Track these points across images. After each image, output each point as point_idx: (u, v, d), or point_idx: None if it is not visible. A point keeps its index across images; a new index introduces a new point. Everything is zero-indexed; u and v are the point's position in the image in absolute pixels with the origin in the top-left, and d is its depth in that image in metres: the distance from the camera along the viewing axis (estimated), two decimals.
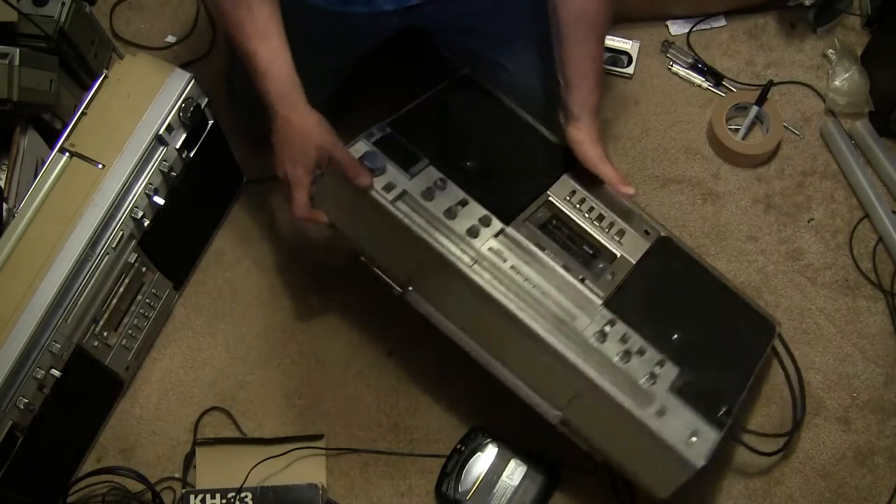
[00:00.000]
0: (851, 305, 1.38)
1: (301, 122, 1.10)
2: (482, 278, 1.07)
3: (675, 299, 1.18)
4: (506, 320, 1.06)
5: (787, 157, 1.49)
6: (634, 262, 1.17)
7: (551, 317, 1.07)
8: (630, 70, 1.55)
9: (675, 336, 1.11)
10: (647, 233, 1.21)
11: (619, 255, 1.17)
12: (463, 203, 1.12)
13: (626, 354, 1.07)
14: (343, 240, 1.17)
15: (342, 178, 1.09)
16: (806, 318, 1.38)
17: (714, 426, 1.04)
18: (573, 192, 1.21)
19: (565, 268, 1.12)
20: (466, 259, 1.08)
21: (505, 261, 1.09)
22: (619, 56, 1.56)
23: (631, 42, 1.56)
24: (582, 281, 1.11)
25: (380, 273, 1.15)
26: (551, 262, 1.11)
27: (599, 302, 1.10)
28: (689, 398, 1.06)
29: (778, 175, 1.48)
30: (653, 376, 1.06)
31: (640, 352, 1.08)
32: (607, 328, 1.08)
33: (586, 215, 1.19)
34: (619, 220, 1.21)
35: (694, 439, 1.03)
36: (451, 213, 1.11)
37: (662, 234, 1.22)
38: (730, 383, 1.11)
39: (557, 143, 1.27)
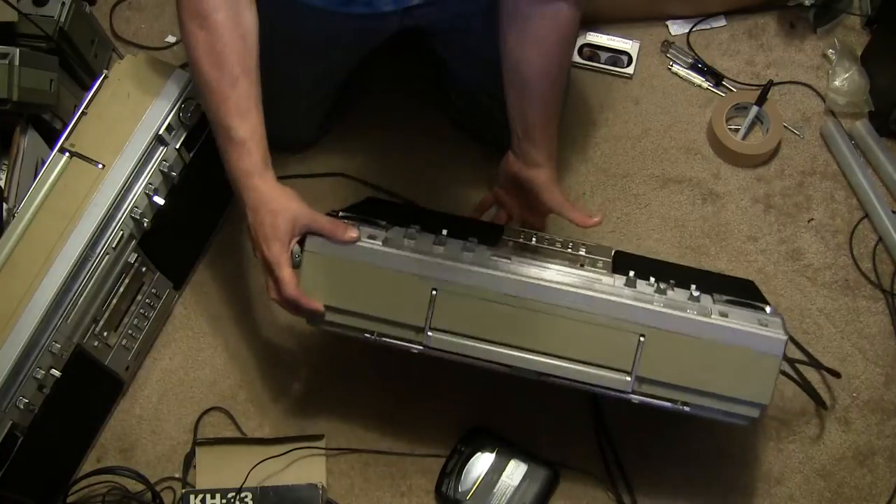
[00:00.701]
0: (851, 305, 1.38)
1: (272, 198, 1.05)
2: (506, 270, 1.04)
3: (666, 272, 1.15)
4: (547, 300, 1.03)
5: (787, 157, 1.49)
6: (610, 259, 1.15)
7: (580, 279, 1.05)
8: (630, 70, 1.55)
9: (688, 282, 1.09)
10: (601, 247, 1.19)
11: (596, 258, 1.15)
12: (439, 237, 1.08)
13: (661, 290, 1.05)
14: (339, 328, 1.10)
15: (326, 250, 1.05)
16: (806, 318, 1.38)
17: (774, 315, 1.04)
18: (521, 233, 1.19)
19: (561, 263, 1.10)
20: (480, 262, 1.05)
21: (509, 260, 1.07)
22: (619, 56, 1.56)
23: (631, 42, 1.56)
24: (581, 266, 1.10)
25: (393, 341, 1.09)
26: (549, 259, 1.10)
27: (608, 271, 1.09)
28: (737, 304, 1.05)
29: (778, 175, 1.48)
30: (694, 298, 1.05)
31: (671, 287, 1.06)
32: (630, 277, 1.06)
33: (547, 244, 1.17)
34: (572, 242, 1.18)
35: (766, 324, 1.02)
36: (440, 242, 1.08)
37: (615, 250, 1.19)
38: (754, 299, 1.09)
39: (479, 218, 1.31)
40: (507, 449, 1.26)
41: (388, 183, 1.47)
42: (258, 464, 1.27)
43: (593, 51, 1.56)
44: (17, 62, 1.27)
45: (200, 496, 1.25)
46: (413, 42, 1.40)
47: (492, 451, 1.26)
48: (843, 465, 1.29)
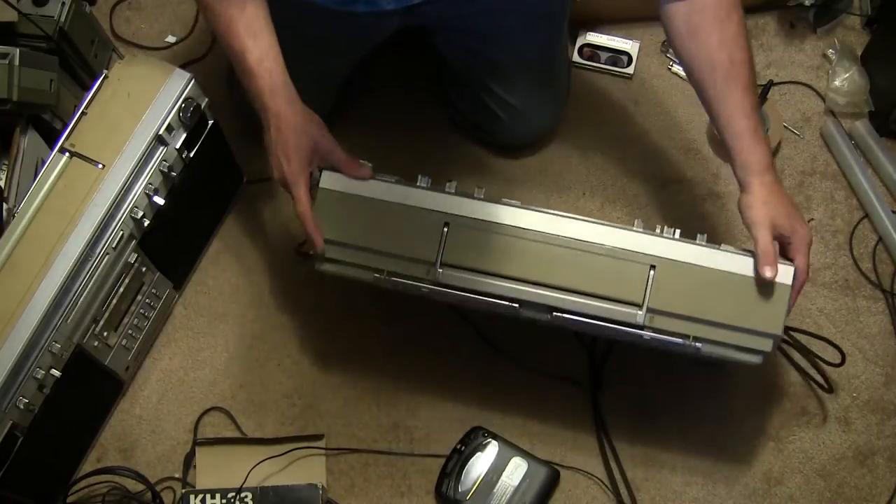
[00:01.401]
0: (851, 305, 1.38)
1: (295, 118, 1.07)
2: (512, 206, 1.05)
3: None
4: (558, 232, 1.04)
5: (787, 157, 1.49)
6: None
7: (592, 217, 1.06)
8: (630, 70, 1.55)
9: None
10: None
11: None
12: (452, 185, 1.09)
13: (667, 229, 1.06)
14: (350, 267, 1.10)
15: (340, 185, 1.07)
16: (806, 318, 1.37)
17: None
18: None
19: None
20: (492, 199, 1.05)
21: (522, 203, 1.07)
22: (619, 56, 1.56)
23: (631, 42, 1.56)
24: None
25: (403, 280, 1.09)
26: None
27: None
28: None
29: (778, 175, 1.48)
30: (701, 238, 1.05)
31: (676, 231, 1.06)
32: (636, 221, 1.07)
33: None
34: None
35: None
36: (449, 187, 1.08)
37: None
38: None
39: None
40: (507, 449, 1.26)
41: None
42: (258, 464, 1.27)
43: (593, 51, 1.56)
44: (17, 62, 1.27)
45: (200, 496, 1.25)
46: (414, 39, 1.40)
47: (492, 452, 1.26)
48: (843, 465, 1.29)
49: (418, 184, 1.09)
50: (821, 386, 1.29)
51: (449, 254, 1.06)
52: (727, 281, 1.03)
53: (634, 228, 1.05)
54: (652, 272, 1.03)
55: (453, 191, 1.08)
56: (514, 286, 1.06)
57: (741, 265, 1.03)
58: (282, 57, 1.07)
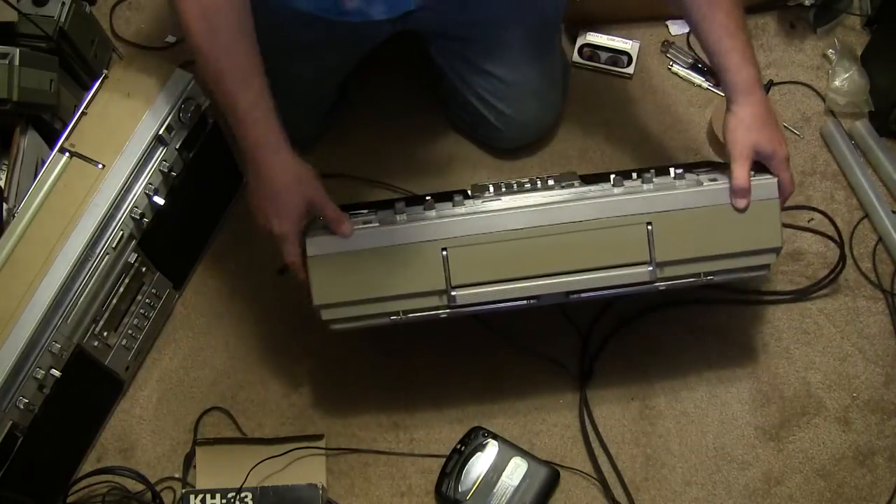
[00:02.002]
0: (851, 305, 1.38)
1: (286, 176, 1.03)
2: (499, 210, 1.05)
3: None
4: (550, 221, 1.05)
5: None
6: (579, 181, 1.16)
7: (575, 195, 1.07)
8: (630, 70, 1.55)
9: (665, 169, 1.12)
10: (566, 174, 1.19)
11: (563, 182, 1.16)
12: (429, 204, 1.08)
13: (646, 178, 1.08)
14: (365, 321, 1.09)
15: (328, 249, 1.05)
16: (806, 318, 1.37)
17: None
18: (490, 184, 1.17)
19: (541, 187, 1.12)
20: (476, 209, 1.06)
21: (499, 199, 1.08)
22: (619, 56, 1.55)
23: (631, 42, 1.55)
24: (562, 187, 1.12)
25: (420, 314, 1.09)
26: (529, 193, 1.11)
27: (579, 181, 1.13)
28: (717, 170, 1.09)
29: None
30: (679, 176, 1.08)
31: (654, 175, 1.09)
32: (615, 178, 1.09)
33: (514, 184, 1.16)
34: (539, 179, 1.18)
35: (754, 174, 1.06)
36: (429, 206, 1.08)
37: (578, 174, 1.20)
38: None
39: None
40: (507, 449, 1.26)
41: (385, 182, 1.47)
42: (258, 464, 1.27)
43: (593, 51, 1.56)
44: (17, 62, 1.27)
45: (200, 496, 1.25)
46: (412, 40, 1.40)
47: (492, 452, 1.26)
48: (843, 465, 1.29)
49: (397, 213, 1.07)
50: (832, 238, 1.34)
51: (456, 275, 1.07)
52: (719, 213, 1.06)
53: (616, 193, 1.07)
54: (649, 227, 1.06)
55: (434, 211, 1.07)
56: (527, 284, 1.07)
57: (726, 194, 1.06)
58: (273, 107, 1.02)
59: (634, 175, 1.10)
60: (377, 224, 1.06)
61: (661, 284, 1.09)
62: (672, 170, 1.10)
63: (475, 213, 1.06)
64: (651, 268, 1.07)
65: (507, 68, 1.35)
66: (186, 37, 1.00)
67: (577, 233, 1.06)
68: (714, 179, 1.07)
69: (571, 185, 1.13)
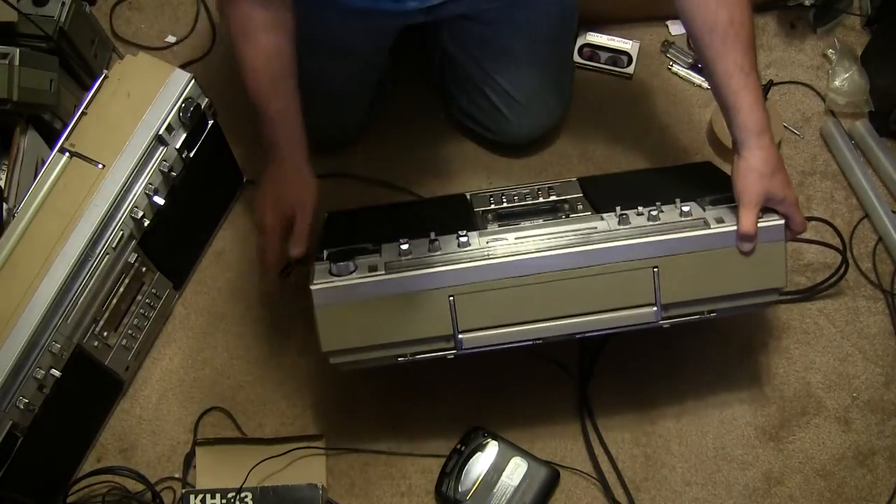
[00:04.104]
0: (851, 305, 1.38)
1: (296, 175, 1.15)
2: (506, 257, 1.05)
3: (637, 189, 1.20)
4: (558, 268, 1.05)
5: (787, 157, 1.49)
6: (582, 195, 1.20)
7: (580, 238, 1.07)
8: (630, 70, 1.55)
9: (666, 196, 1.12)
10: (565, 182, 1.24)
11: (566, 198, 1.19)
12: (433, 241, 1.08)
13: (652, 215, 1.08)
14: (372, 363, 1.11)
15: (335, 298, 1.05)
16: (806, 318, 1.38)
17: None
18: (490, 197, 1.22)
19: (546, 220, 1.12)
20: (483, 259, 1.05)
21: (506, 240, 1.08)
22: (619, 56, 1.56)
23: (631, 42, 1.56)
24: (567, 216, 1.13)
25: (426, 356, 1.10)
26: (534, 223, 1.12)
27: (594, 213, 1.13)
28: (722, 203, 1.09)
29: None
30: (685, 213, 1.08)
31: (659, 210, 1.09)
32: (621, 215, 1.09)
33: (515, 199, 1.21)
34: (539, 186, 1.22)
35: (762, 215, 1.06)
36: (433, 247, 1.07)
37: (577, 179, 1.25)
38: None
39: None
40: (507, 449, 1.26)
41: (386, 181, 1.47)
42: (258, 464, 1.27)
43: (593, 51, 1.56)
44: (17, 62, 1.27)
45: (200, 496, 1.25)
46: (413, 39, 1.40)
47: (492, 452, 1.26)
48: (843, 465, 1.29)
49: (402, 255, 1.07)
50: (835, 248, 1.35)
51: (463, 320, 1.07)
52: (725, 256, 1.06)
53: (623, 233, 1.06)
54: (655, 271, 1.06)
55: (440, 253, 1.07)
56: (533, 327, 1.08)
57: (733, 238, 1.06)
58: (303, 134, 1.15)
59: (640, 209, 1.09)
60: (384, 272, 1.05)
61: (665, 323, 1.09)
62: (678, 204, 1.09)
63: (481, 258, 1.05)
64: (656, 308, 1.08)
65: (524, 48, 1.35)
66: (240, 72, 1.11)
67: (584, 278, 1.06)
68: (721, 220, 1.06)
69: (575, 207, 1.15)
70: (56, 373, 1.15)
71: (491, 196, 1.22)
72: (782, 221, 1.06)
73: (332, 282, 1.04)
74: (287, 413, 1.34)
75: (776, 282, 1.09)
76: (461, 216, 1.18)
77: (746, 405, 1.32)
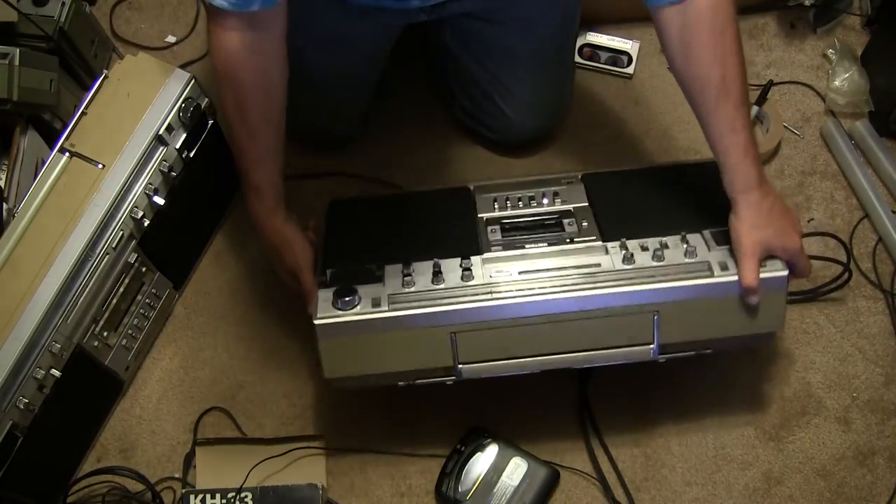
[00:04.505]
0: (851, 305, 1.38)
1: (276, 238, 1.18)
2: (509, 298, 1.07)
3: (643, 201, 1.20)
4: (560, 310, 1.07)
5: (787, 157, 1.49)
6: (587, 203, 1.20)
7: (584, 279, 1.08)
8: (630, 70, 1.55)
9: (672, 215, 1.14)
10: (570, 182, 1.24)
11: (572, 208, 1.19)
12: (437, 267, 1.10)
13: (657, 254, 1.09)
14: (372, 384, 1.15)
15: (340, 333, 1.08)
16: (806, 318, 1.38)
17: None
18: (494, 200, 1.22)
19: (551, 244, 1.13)
20: (485, 297, 1.07)
21: (510, 273, 1.09)
22: (619, 56, 1.56)
23: (631, 42, 1.56)
24: (572, 241, 1.13)
25: (426, 380, 1.14)
26: (539, 249, 1.13)
27: (599, 242, 1.13)
28: (728, 240, 1.09)
29: (778, 175, 1.48)
30: (690, 252, 1.09)
31: (664, 245, 1.10)
32: (625, 251, 1.10)
33: (520, 204, 1.21)
34: (544, 188, 1.23)
35: (764, 262, 1.07)
36: (437, 279, 1.09)
37: (581, 174, 1.25)
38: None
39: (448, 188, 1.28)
40: (507, 449, 1.26)
41: (385, 180, 1.47)
42: (258, 464, 1.27)
43: (593, 51, 1.56)
44: (17, 62, 1.27)
45: (200, 496, 1.25)
46: (415, 38, 1.40)
47: (492, 452, 1.26)
48: (843, 465, 1.29)
49: (405, 288, 1.09)
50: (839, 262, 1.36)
51: (464, 354, 1.10)
52: (726, 303, 1.08)
53: (626, 274, 1.08)
54: (656, 317, 1.08)
55: (443, 287, 1.09)
56: (533, 360, 1.11)
57: (736, 287, 1.07)
58: (279, 183, 1.16)
59: (646, 242, 1.10)
60: (387, 308, 1.07)
61: (661, 358, 1.12)
62: (683, 241, 1.10)
63: (484, 295, 1.07)
64: (654, 347, 1.10)
65: (527, 47, 1.35)
66: (221, 113, 1.14)
67: (585, 319, 1.07)
68: (725, 267, 1.07)
69: (581, 223, 1.16)
70: (56, 373, 1.15)
71: (495, 199, 1.22)
72: (785, 272, 1.07)
73: (336, 316, 1.07)
74: (287, 413, 1.34)
75: (773, 326, 1.11)
76: (465, 224, 1.18)
77: (746, 405, 1.32)
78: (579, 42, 1.55)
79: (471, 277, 1.09)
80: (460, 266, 1.10)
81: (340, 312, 1.07)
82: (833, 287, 1.37)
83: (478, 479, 1.25)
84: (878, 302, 1.39)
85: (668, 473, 1.29)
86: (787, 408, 1.32)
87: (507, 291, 1.07)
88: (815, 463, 1.29)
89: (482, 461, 1.26)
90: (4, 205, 1.29)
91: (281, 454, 1.28)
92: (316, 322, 1.07)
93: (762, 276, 1.05)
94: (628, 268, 1.08)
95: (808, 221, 1.44)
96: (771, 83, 1.51)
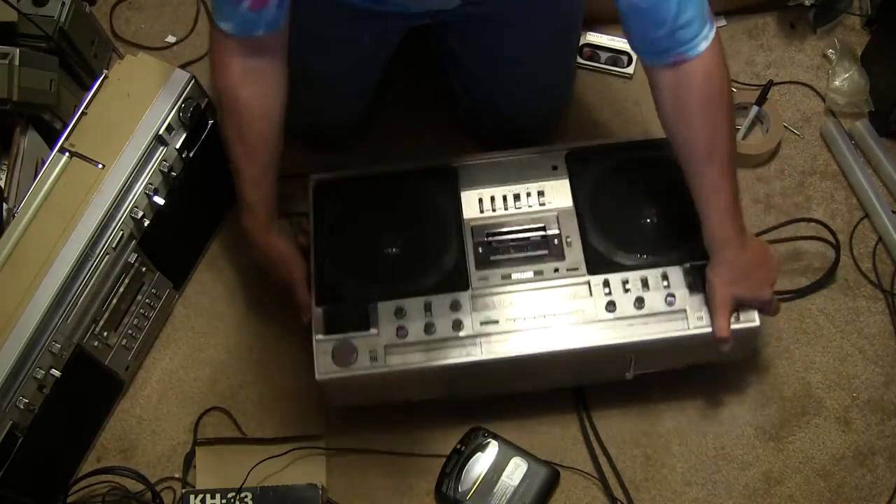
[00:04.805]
0: (851, 305, 1.38)
1: (272, 254, 1.23)
2: (498, 351, 1.15)
3: (626, 198, 1.24)
4: (544, 358, 1.15)
5: (787, 157, 1.49)
6: (572, 205, 1.23)
7: (568, 326, 1.15)
8: (630, 70, 1.55)
9: (654, 235, 1.20)
10: (554, 168, 1.26)
11: (557, 212, 1.23)
12: (428, 306, 1.17)
13: (639, 301, 1.16)
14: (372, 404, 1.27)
15: (340, 375, 1.15)
16: (806, 318, 1.37)
17: None
18: (479, 200, 1.25)
19: (538, 273, 1.19)
20: (476, 351, 1.15)
21: (497, 322, 1.16)
22: (619, 56, 1.56)
23: None
24: (556, 271, 1.19)
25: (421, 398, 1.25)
26: (525, 275, 1.19)
27: (584, 272, 1.18)
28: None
29: (778, 175, 1.48)
30: (670, 296, 1.16)
31: (645, 284, 1.17)
32: (609, 293, 1.17)
33: (506, 208, 1.24)
34: (530, 182, 1.25)
35: (738, 311, 1.15)
36: (430, 329, 1.16)
37: (564, 152, 1.27)
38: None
39: (434, 165, 1.29)
40: (507, 449, 1.26)
41: None
42: (258, 464, 1.27)
43: (593, 51, 1.56)
44: (17, 62, 1.27)
45: (200, 496, 1.25)
46: (417, 39, 1.40)
47: (492, 452, 1.26)
48: (843, 465, 1.29)
49: (399, 337, 1.15)
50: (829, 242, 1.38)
51: (455, 388, 1.23)
52: (700, 345, 1.17)
53: (609, 328, 1.15)
54: (633, 356, 1.18)
55: (436, 334, 1.15)
56: (520, 383, 1.25)
57: (709, 335, 1.15)
58: (273, 202, 1.20)
59: (628, 283, 1.17)
60: (383, 365, 1.15)
61: (631, 378, 1.23)
62: (665, 279, 1.17)
63: (473, 347, 1.15)
64: (629, 374, 1.22)
65: (528, 51, 1.35)
66: (221, 136, 1.16)
67: (568, 359, 1.16)
68: (701, 318, 1.15)
69: (566, 244, 1.20)
70: (56, 373, 1.15)
71: (480, 198, 1.25)
72: (756, 324, 1.16)
73: (336, 372, 1.16)
74: (287, 413, 1.34)
75: (744, 357, 1.27)
76: (452, 237, 1.22)
77: (746, 405, 1.32)
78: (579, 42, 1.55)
79: (461, 327, 1.16)
80: (451, 308, 1.16)
81: (340, 369, 1.15)
82: (826, 273, 1.38)
83: (478, 479, 1.25)
84: (878, 302, 1.39)
85: (668, 473, 1.29)
86: (787, 408, 1.32)
87: (496, 342, 1.15)
88: (815, 463, 1.29)
89: (482, 461, 1.26)
90: (4, 205, 1.29)
91: (281, 454, 1.28)
92: (318, 378, 1.16)
93: (734, 327, 1.14)
94: (610, 316, 1.15)
95: (809, 222, 1.44)
96: (771, 83, 1.51)
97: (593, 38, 1.56)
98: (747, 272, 1.13)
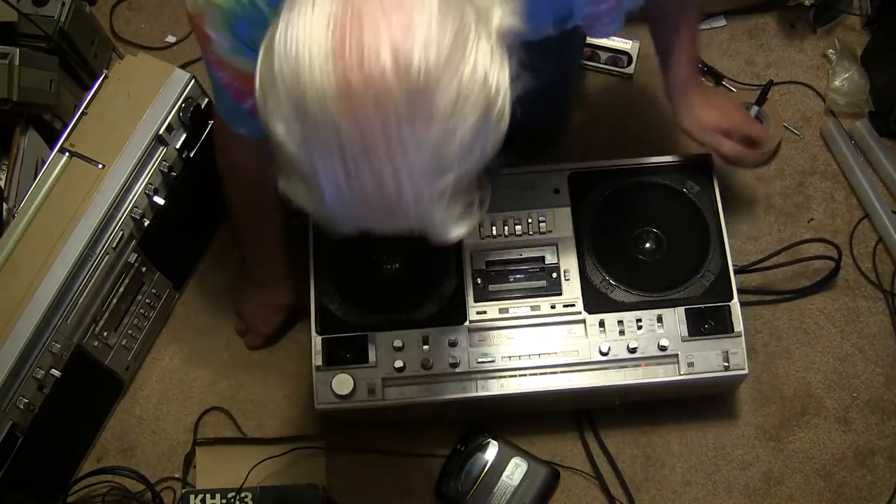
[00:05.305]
0: (851, 305, 1.38)
1: (280, 301, 1.33)
2: (493, 388, 1.17)
3: (626, 230, 1.24)
4: (537, 395, 1.18)
5: (787, 157, 1.49)
6: (572, 234, 1.23)
7: (562, 368, 1.17)
8: (630, 70, 1.55)
9: (652, 273, 1.21)
10: (556, 191, 1.25)
11: (558, 242, 1.22)
12: (426, 339, 1.18)
13: (632, 345, 1.17)
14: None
15: (339, 405, 1.18)
16: (806, 318, 1.37)
17: (734, 334, 1.18)
18: (479, 225, 1.23)
19: (534, 308, 1.19)
20: (472, 387, 1.17)
21: (493, 360, 1.17)
22: (619, 56, 1.55)
23: (631, 42, 1.55)
24: (553, 308, 1.19)
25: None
26: (522, 311, 1.19)
27: (581, 310, 1.19)
28: (701, 328, 1.18)
29: (778, 175, 1.48)
30: (663, 340, 1.17)
31: (639, 326, 1.18)
32: (605, 336, 1.18)
33: (506, 235, 1.23)
34: (531, 207, 1.24)
35: (728, 359, 1.17)
36: (426, 364, 1.17)
37: (567, 173, 1.26)
38: (714, 261, 1.21)
39: None
40: (507, 449, 1.26)
41: None
42: (258, 464, 1.27)
43: (593, 51, 1.56)
44: (17, 62, 1.27)
45: (200, 496, 1.25)
46: None
47: (492, 452, 1.26)
48: (843, 465, 1.29)
49: (396, 371, 1.17)
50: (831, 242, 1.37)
51: (450, 415, 1.27)
52: (688, 386, 1.19)
53: (601, 372, 1.18)
54: (623, 393, 1.20)
55: (432, 369, 1.17)
56: (514, 411, 1.28)
57: (698, 381, 1.18)
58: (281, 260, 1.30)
59: (622, 327, 1.18)
60: (381, 399, 1.17)
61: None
62: (660, 323, 1.18)
63: (468, 383, 1.18)
64: (617, 402, 1.25)
65: (531, 52, 1.34)
66: (227, 202, 1.24)
67: (560, 394, 1.19)
68: (691, 364, 1.17)
69: (564, 278, 1.21)
70: (56, 373, 1.15)
71: (481, 223, 1.23)
72: (745, 372, 1.17)
73: (335, 404, 1.18)
74: (287, 413, 1.34)
75: (729, 392, 1.30)
76: (446, 262, 1.22)
77: (746, 405, 1.32)
78: None
79: (457, 364, 1.17)
80: (448, 344, 1.17)
81: (339, 400, 1.17)
82: (827, 275, 1.38)
83: (478, 479, 1.25)
84: (878, 302, 1.39)
85: (668, 473, 1.29)
86: (787, 408, 1.32)
87: (491, 379, 1.17)
88: (815, 463, 1.29)
89: (482, 461, 1.26)
90: (4, 205, 1.29)
91: (281, 454, 1.28)
92: (318, 408, 1.18)
93: (723, 375, 1.17)
94: (603, 359, 1.17)
95: (809, 221, 1.44)
96: (771, 83, 1.51)
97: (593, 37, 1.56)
98: (713, 99, 1.23)
